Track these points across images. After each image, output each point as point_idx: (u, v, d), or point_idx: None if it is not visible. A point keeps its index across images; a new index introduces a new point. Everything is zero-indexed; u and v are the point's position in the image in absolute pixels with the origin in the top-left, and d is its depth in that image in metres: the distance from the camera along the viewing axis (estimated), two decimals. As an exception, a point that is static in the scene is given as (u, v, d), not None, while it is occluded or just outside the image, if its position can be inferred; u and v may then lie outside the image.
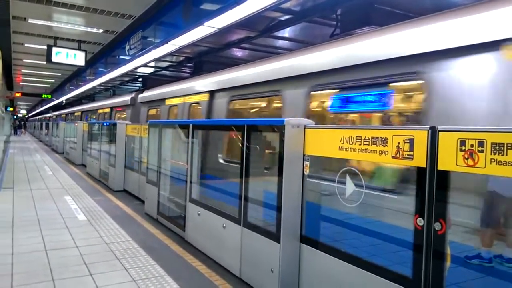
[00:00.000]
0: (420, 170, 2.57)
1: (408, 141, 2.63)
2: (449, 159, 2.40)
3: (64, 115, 25.81)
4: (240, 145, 4.24)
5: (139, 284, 3.92)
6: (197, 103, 7.85)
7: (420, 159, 2.56)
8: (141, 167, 8.34)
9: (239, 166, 4.25)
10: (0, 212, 6.63)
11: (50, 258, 4.56)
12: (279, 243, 3.58)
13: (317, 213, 3.66)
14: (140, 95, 12.37)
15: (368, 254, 3.06)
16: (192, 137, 5.48)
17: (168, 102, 9.58)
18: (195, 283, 4.05)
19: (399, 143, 2.69)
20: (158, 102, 10.41)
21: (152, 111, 11.35)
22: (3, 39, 12.45)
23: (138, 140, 8.73)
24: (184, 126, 5.88)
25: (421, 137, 2.56)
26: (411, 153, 2.61)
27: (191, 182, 5.48)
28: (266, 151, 4.27)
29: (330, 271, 3.30)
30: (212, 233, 4.79)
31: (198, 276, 4.25)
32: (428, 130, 2.52)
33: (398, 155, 2.69)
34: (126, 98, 13.56)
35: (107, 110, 16.53)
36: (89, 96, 26.53)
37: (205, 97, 7.43)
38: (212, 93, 7.21)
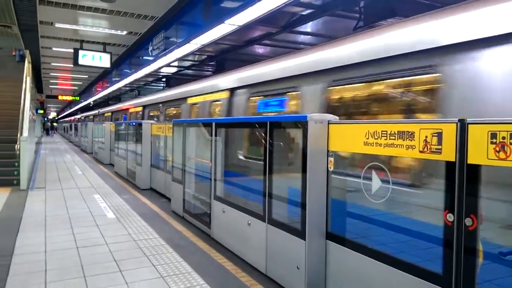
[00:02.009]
0: (449, 164, 2.49)
1: (436, 134, 2.55)
2: (479, 153, 2.31)
3: (108, 114, 24.49)
4: (263, 142, 4.23)
5: (167, 281, 3.99)
6: (218, 101, 7.92)
7: (449, 153, 2.48)
8: (167, 166, 8.47)
9: (263, 163, 4.24)
10: (33, 211, 6.88)
11: (81, 255, 4.70)
12: (305, 240, 3.56)
13: (343, 210, 3.61)
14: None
15: (396, 251, 3.00)
16: (216, 135, 5.52)
17: (190, 100, 9.70)
18: (221, 280, 4.08)
19: (426, 137, 2.61)
20: (179, 101, 10.59)
21: (173, 110, 11.57)
22: (32, 44, 12.89)
23: (163, 139, 8.86)
24: (207, 125, 5.93)
25: (449, 130, 2.48)
26: (440, 147, 2.53)
27: (215, 179, 5.52)
28: (290, 147, 4.25)
29: (357, 268, 3.26)
30: (237, 230, 4.82)
31: (224, 273, 4.28)
32: (457, 123, 2.44)
33: (425, 149, 2.62)
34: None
35: (136, 109, 16.86)
36: (115, 97, 27.14)
37: (225, 95, 7.47)
38: (232, 90, 7.26)
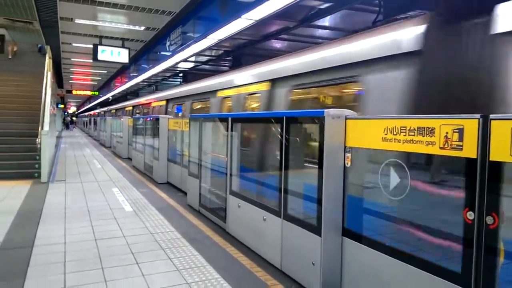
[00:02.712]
0: (471, 161, 2.43)
1: (457, 130, 2.49)
2: (502, 149, 2.24)
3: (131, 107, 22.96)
4: (280, 137, 4.21)
5: (183, 274, 4.03)
6: (254, 93, 7.13)
7: (470, 150, 2.42)
8: (183, 160, 8.53)
9: (279, 158, 4.22)
10: (53, 204, 7.04)
11: (100, 247, 4.79)
12: (320, 236, 3.53)
13: (360, 206, 3.57)
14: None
15: (414, 248, 2.95)
16: (232, 130, 5.52)
17: (220, 94, 8.85)
18: (236, 274, 4.10)
19: (447, 133, 2.55)
20: (206, 94, 9.88)
21: (199, 105, 11.01)
22: (53, 39, 13.13)
23: (180, 134, 8.93)
24: (223, 120, 5.93)
25: (471, 126, 2.41)
26: (461, 143, 2.47)
27: (231, 174, 5.53)
28: (307, 143, 4.21)
29: (373, 265, 3.22)
30: (253, 225, 4.82)
31: (239, 267, 4.30)
32: (479, 119, 2.37)
33: (446, 146, 2.56)
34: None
35: (150, 104, 16.55)
36: (134, 92, 27.47)
37: (264, 87, 6.69)
38: (272, 82, 6.45)
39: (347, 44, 4.78)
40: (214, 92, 9.17)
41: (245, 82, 7.49)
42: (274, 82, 6.37)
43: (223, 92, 8.62)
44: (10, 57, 15.87)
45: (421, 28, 3.67)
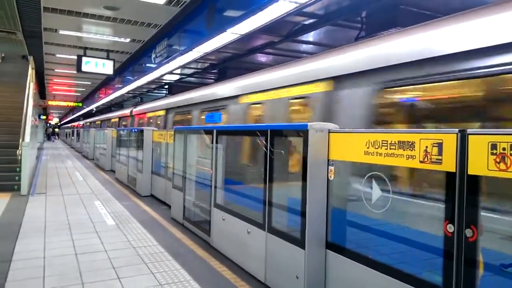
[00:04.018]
0: (450, 175, 2.48)
1: (436, 145, 2.55)
2: (480, 163, 2.31)
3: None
4: (264, 149, 4.23)
5: (165, 289, 3.97)
6: (304, 97, 5.32)
7: (449, 164, 2.48)
8: (167, 173, 8.46)
9: (263, 171, 4.24)
10: (33, 217, 6.87)
11: (80, 261, 4.68)
12: (304, 249, 3.54)
13: (343, 219, 3.60)
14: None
15: (397, 261, 2.98)
16: (217, 143, 5.52)
17: (245, 99, 6.98)
18: (220, 289, 4.06)
19: (427, 147, 2.61)
20: (224, 101, 7.98)
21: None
22: (36, 50, 12.99)
23: (164, 146, 8.87)
24: (208, 132, 5.93)
25: (450, 140, 2.48)
26: (440, 157, 2.53)
27: (215, 187, 5.51)
28: (290, 156, 4.24)
29: (357, 278, 3.23)
30: (237, 238, 4.80)
31: (223, 281, 4.26)
32: (457, 134, 2.44)
33: (426, 160, 2.61)
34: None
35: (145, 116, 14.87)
36: (118, 104, 27.27)
37: (321, 88, 4.93)
38: (337, 80, 4.65)
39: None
40: (233, 98, 7.45)
41: (287, 83, 5.69)
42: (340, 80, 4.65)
43: (250, 97, 6.81)
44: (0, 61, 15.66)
45: None
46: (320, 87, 4.93)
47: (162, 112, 12.83)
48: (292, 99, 5.55)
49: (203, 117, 9.10)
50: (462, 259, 2.42)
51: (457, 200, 2.44)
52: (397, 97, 4.10)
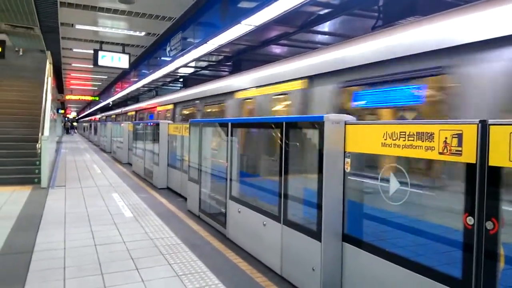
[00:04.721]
0: (470, 167, 2.43)
1: (456, 136, 2.50)
2: (501, 155, 2.25)
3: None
4: (280, 142, 4.22)
5: (182, 279, 4.02)
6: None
7: (469, 155, 2.42)
8: (183, 165, 8.53)
9: (279, 163, 4.23)
10: (53, 209, 7.03)
11: (99, 252, 4.78)
12: (320, 241, 3.53)
13: (360, 211, 3.57)
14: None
15: (415, 254, 2.94)
16: (232, 135, 5.53)
17: (240, 95, 7.45)
18: (236, 280, 4.08)
19: (446, 138, 2.56)
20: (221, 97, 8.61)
21: (210, 108, 9.81)
22: (53, 45, 13.18)
23: (180, 139, 8.93)
24: (223, 125, 5.94)
25: (470, 131, 2.42)
26: (460, 148, 2.48)
27: (231, 179, 5.53)
28: (306, 148, 4.22)
29: (374, 271, 3.21)
30: (252, 231, 4.81)
31: (239, 273, 4.29)
32: (477, 124, 2.38)
33: (445, 151, 2.56)
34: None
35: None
36: (134, 97, 27.53)
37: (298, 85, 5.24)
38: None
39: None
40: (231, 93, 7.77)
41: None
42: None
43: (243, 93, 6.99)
44: (21, 54, 15.92)
45: None
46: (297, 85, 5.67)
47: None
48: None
49: (208, 110, 9.92)
50: (482, 252, 2.38)
51: (478, 192, 2.39)
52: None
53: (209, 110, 10.06)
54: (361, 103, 4.65)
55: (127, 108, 25.26)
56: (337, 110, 4.82)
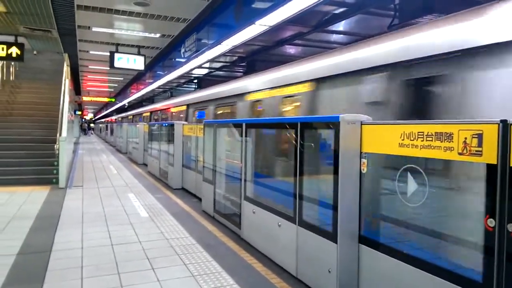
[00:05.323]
0: (490, 167, 2.37)
1: (476, 135, 2.44)
2: (524, 155, 2.19)
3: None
4: (294, 142, 4.20)
5: (198, 280, 4.03)
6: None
7: (490, 156, 2.36)
8: (198, 166, 8.57)
9: (294, 164, 4.20)
10: (70, 209, 7.15)
11: (116, 252, 4.83)
12: (336, 243, 3.49)
13: (377, 213, 3.52)
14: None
15: (434, 256, 2.89)
16: (246, 136, 5.52)
17: (250, 97, 7.55)
18: (251, 281, 4.08)
19: (466, 138, 2.50)
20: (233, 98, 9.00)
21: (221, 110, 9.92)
22: (71, 47, 13.40)
23: (194, 140, 8.97)
24: (238, 125, 5.94)
25: (491, 131, 2.36)
26: (480, 149, 2.42)
27: (245, 180, 5.53)
28: (321, 148, 4.19)
29: (392, 274, 3.16)
30: (267, 232, 4.80)
31: (254, 274, 4.28)
32: (498, 124, 2.32)
33: (465, 151, 2.50)
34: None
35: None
36: (149, 99, 27.80)
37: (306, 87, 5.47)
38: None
39: None
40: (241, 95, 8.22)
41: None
42: None
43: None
44: (35, 53, 16.21)
45: None
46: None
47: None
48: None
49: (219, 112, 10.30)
50: (504, 255, 2.32)
51: (499, 194, 2.33)
52: None
53: (220, 112, 10.23)
54: None
55: (141, 109, 25.56)
56: None
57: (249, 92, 8.10)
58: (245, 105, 8.20)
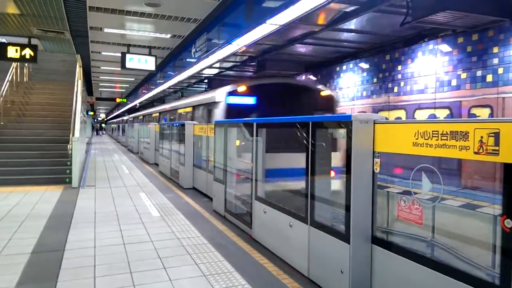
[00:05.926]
0: (508, 167, 2.31)
1: (492, 134, 2.38)
2: (543, 154, 2.13)
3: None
4: (306, 142, 4.17)
5: (209, 279, 4.03)
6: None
7: (507, 155, 2.31)
8: (209, 166, 8.58)
9: (305, 163, 4.17)
10: (83, 208, 7.22)
11: (128, 251, 4.86)
12: (349, 243, 3.46)
13: (389, 213, 3.48)
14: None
15: (449, 257, 2.84)
16: (257, 135, 5.51)
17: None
18: (262, 281, 4.06)
19: (482, 137, 2.45)
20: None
21: None
22: (83, 49, 13.55)
23: (205, 140, 8.99)
24: (248, 125, 5.93)
25: (508, 130, 2.30)
26: (497, 148, 2.36)
27: (256, 180, 5.51)
28: (333, 148, 4.15)
29: (405, 275, 3.11)
30: (279, 232, 4.78)
31: (266, 274, 4.26)
32: (516, 122, 2.27)
33: (481, 151, 2.45)
34: None
35: None
36: (160, 99, 27.96)
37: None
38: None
39: None
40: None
41: None
42: None
43: None
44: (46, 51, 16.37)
45: None
46: None
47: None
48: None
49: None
50: (522, 257, 2.26)
51: (517, 194, 2.27)
52: None
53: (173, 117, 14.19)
54: None
55: (152, 110, 25.71)
56: None
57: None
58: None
